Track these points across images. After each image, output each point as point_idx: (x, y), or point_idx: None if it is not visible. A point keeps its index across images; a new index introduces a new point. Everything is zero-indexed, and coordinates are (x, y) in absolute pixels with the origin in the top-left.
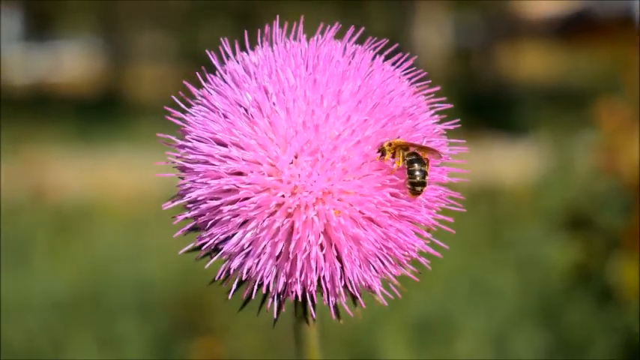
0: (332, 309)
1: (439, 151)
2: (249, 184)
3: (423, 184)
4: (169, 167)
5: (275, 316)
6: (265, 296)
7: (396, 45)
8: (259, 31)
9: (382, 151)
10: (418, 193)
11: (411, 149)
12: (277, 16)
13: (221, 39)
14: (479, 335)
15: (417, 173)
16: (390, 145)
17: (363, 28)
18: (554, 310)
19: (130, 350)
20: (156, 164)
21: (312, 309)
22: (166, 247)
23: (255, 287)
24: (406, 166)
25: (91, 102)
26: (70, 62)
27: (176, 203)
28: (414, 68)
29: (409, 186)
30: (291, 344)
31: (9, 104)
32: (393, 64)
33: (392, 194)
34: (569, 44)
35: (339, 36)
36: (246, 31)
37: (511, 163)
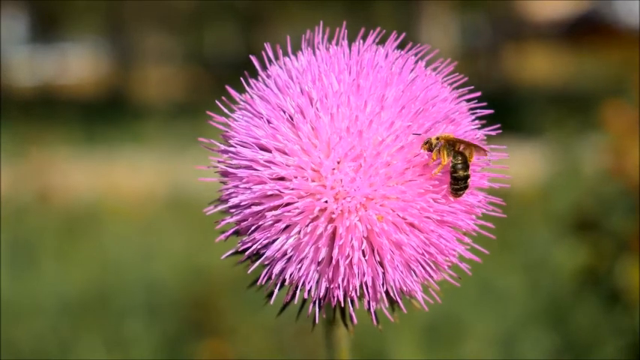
0: (373, 315)
1: (485, 148)
2: (293, 189)
3: (465, 187)
4: (208, 172)
5: (316, 321)
6: (305, 301)
7: (436, 51)
8: (302, 36)
9: (429, 145)
10: (460, 196)
11: (458, 145)
12: (321, 22)
13: (265, 44)
14: (487, 337)
15: (460, 176)
16: (437, 139)
17: (404, 34)
18: (562, 312)
19: (138, 352)
20: (197, 168)
21: (352, 314)
22: (174, 249)
23: (298, 292)
24: (450, 169)
25: (98, 104)
26: (77, 64)
27: (218, 208)
28: (455, 74)
29: (452, 190)
30: (299, 347)
31: (16, 106)
32: (434, 69)
33: (434, 200)
34: (576, 46)
35: (381, 42)
36: (288, 37)
37: (518, 165)
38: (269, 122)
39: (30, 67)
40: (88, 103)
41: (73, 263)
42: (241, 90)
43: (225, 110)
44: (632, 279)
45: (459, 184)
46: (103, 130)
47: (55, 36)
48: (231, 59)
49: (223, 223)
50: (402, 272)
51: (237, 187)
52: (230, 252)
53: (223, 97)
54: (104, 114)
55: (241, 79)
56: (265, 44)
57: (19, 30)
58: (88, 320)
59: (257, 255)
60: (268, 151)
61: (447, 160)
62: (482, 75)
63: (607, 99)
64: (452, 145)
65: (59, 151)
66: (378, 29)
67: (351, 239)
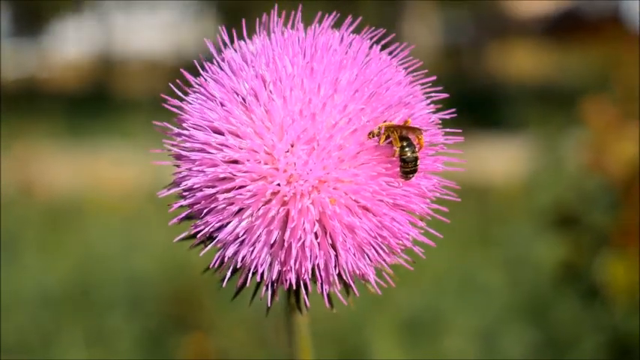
0: (325, 298)
1: (420, 129)
2: (246, 172)
3: (414, 170)
4: (165, 155)
5: (269, 304)
6: (259, 285)
7: (392, 35)
8: (257, 20)
9: (372, 135)
10: (409, 179)
11: (400, 130)
12: (275, 6)
13: (219, 27)
14: (468, 332)
15: (409, 158)
16: (379, 128)
17: (360, 19)
18: (543, 307)
19: (120, 346)
20: (152, 151)
21: (305, 298)
22: (156, 243)
23: (250, 275)
24: (399, 152)
25: (81, 97)
26: (60, 57)
27: (171, 191)
28: (409, 58)
29: (402, 172)
30: (280, 341)
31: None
32: (390, 53)
33: (387, 183)
34: (559, 43)
35: (336, 26)
36: (243, 20)
37: (500, 161)
38: (222, 105)
39: (13, 61)
40: (72, 96)
41: (56, 256)
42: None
43: (180, 94)
44: (612, 274)
45: (408, 166)
46: (87, 123)
47: (39, 29)
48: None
49: (176, 206)
50: (354, 255)
51: (190, 170)
52: (182, 235)
53: (178, 81)
54: (88, 108)
55: (194, 61)
56: (220, 27)
57: (2, 24)
58: (70, 313)
59: (210, 238)
60: (222, 134)
61: (399, 145)
62: (466, 72)
63: (589, 95)
64: (395, 131)
65: (43, 144)
66: (334, 13)
67: (303, 222)
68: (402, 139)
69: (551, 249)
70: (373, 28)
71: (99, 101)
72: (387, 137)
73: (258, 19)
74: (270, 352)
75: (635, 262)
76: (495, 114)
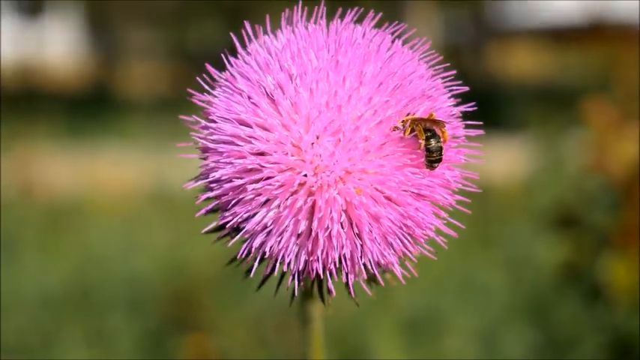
0: (351, 287)
1: (444, 121)
2: (274, 163)
3: (439, 159)
4: (189, 148)
5: (295, 295)
6: (283, 275)
7: (413, 30)
8: (282, 15)
9: (397, 128)
10: (434, 168)
11: (425, 123)
12: (300, 1)
13: (244, 22)
14: (468, 332)
15: (434, 147)
16: (404, 122)
17: (381, 14)
18: (544, 308)
19: (120, 346)
20: (178, 145)
21: (332, 287)
22: (156, 244)
23: (277, 265)
24: (424, 143)
25: (82, 98)
26: (58, 44)
27: (199, 183)
28: (430, 52)
29: (427, 162)
30: (281, 340)
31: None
32: (411, 47)
33: (413, 173)
34: (559, 43)
35: (357, 21)
36: (268, 15)
37: (501, 161)
38: (249, 98)
39: (12, 44)
40: (73, 97)
41: (56, 257)
42: (223, 70)
43: (207, 87)
44: (613, 275)
45: (433, 155)
46: (87, 124)
47: (38, 13)
48: (216, 55)
49: (204, 197)
50: (379, 245)
51: (217, 162)
52: (210, 226)
53: (204, 75)
54: (88, 109)
55: (222, 55)
56: (245, 22)
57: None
58: (70, 314)
59: (236, 230)
60: (248, 126)
61: (424, 137)
62: (466, 71)
63: (590, 95)
64: (419, 123)
65: (42, 145)
66: (356, 9)
67: (330, 211)
68: (427, 130)
69: (552, 249)
70: (396, 22)
71: (99, 103)
72: (412, 130)
73: (282, 15)
74: (270, 351)
75: (636, 263)
76: (495, 114)
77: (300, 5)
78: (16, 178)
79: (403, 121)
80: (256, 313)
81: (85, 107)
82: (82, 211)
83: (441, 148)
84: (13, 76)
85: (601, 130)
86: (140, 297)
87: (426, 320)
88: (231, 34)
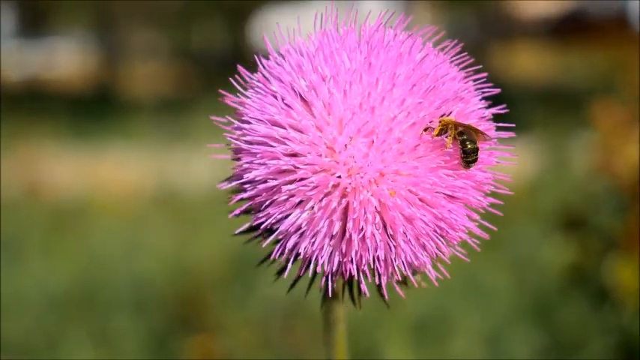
0: (384, 289)
1: (486, 133)
2: (308, 164)
3: (475, 160)
4: (220, 149)
5: (329, 296)
6: (314, 276)
7: (442, 33)
8: (315, 17)
9: (429, 130)
10: (470, 167)
11: (460, 128)
12: (332, 1)
13: (276, 24)
14: (474, 334)
15: (469, 149)
16: (439, 123)
17: (411, 16)
18: (550, 309)
19: (125, 347)
20: (209, 146)
21: (365, 288)
22: (160, 244)
23: (312, 267)
24: (459, 142)
25: (85, 99)
26: (64, 58)
27: (233, 184)
28: (462, 54)
29: (463, 162)
30: (285, 341)
31: (3, 101)
32: (442, 49)
33: (446, 175)
34: (563, 44)
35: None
36: (298, 17)
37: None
38: (283, 100)
39: (18, 62)
40: (76, 98)
41: (61, 258)
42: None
43: (240, 89)
44: (620, 277)
45: (469, 156)
46: (91, 125)
47: (43, 31)
48: (219, 55)
49: (237, 198)
50: (413, 246)
51: (251, 162)
52: (245, 227)
53: (236, 76)
54: (92, 109)
55: (255, 57)
56: (276, 24)
57: (7, 25)
58: (75, 315)
59: (269, 231)
60: (282, 127)
61: (452, 139)
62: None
63: (595, 97)
64: (453, 127)
65: (47, 145)
66: (385, 12)
67: (364, 213)
68: (462, 133)
69: (558, 251)
70: (428, 24)
71: (103, 103)
72: (445, 131)
73: (315, 16)
74: (275, 352)
75: None
76: (500, 115)
77: (332, 7)
78: (20, 178)
79: (440, 122)
80: (261, 314)
81: (88, 107)
82: (86, 211)
83: (477, 149)
84: (18, 82)
85: (608, 132)
86: (145, 297)
87: (433, 322)
88: (263, 35)
